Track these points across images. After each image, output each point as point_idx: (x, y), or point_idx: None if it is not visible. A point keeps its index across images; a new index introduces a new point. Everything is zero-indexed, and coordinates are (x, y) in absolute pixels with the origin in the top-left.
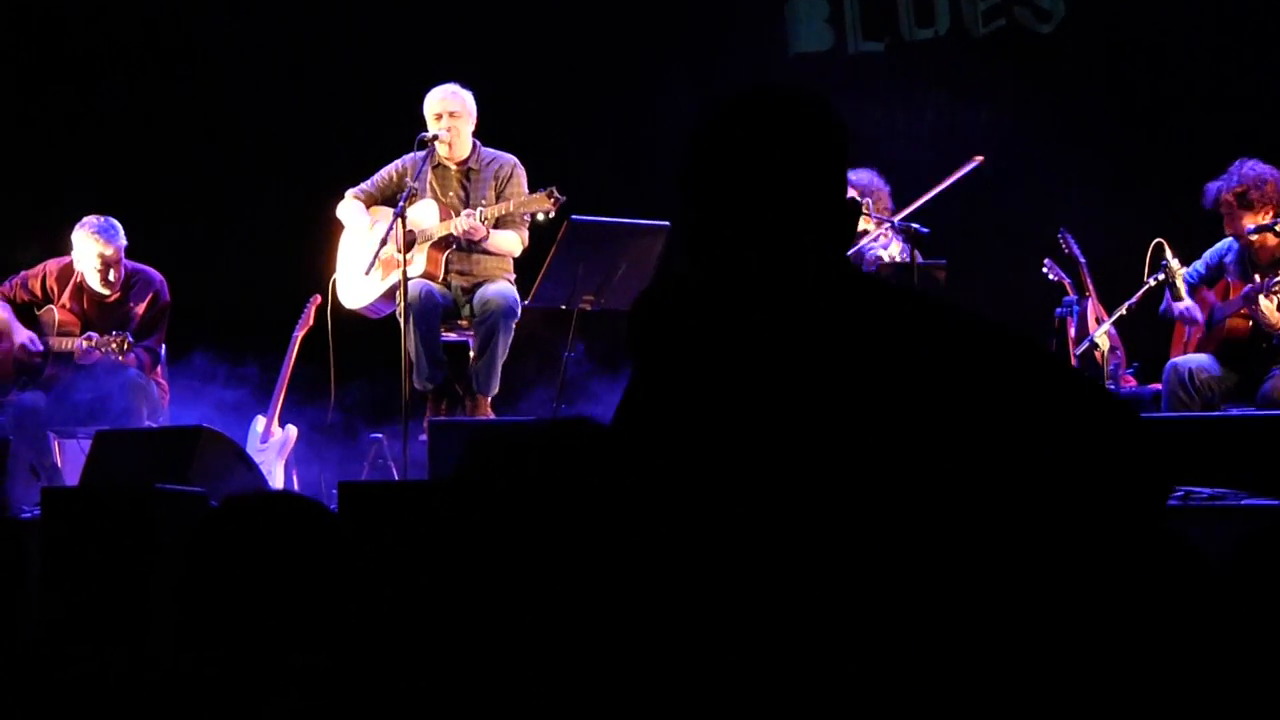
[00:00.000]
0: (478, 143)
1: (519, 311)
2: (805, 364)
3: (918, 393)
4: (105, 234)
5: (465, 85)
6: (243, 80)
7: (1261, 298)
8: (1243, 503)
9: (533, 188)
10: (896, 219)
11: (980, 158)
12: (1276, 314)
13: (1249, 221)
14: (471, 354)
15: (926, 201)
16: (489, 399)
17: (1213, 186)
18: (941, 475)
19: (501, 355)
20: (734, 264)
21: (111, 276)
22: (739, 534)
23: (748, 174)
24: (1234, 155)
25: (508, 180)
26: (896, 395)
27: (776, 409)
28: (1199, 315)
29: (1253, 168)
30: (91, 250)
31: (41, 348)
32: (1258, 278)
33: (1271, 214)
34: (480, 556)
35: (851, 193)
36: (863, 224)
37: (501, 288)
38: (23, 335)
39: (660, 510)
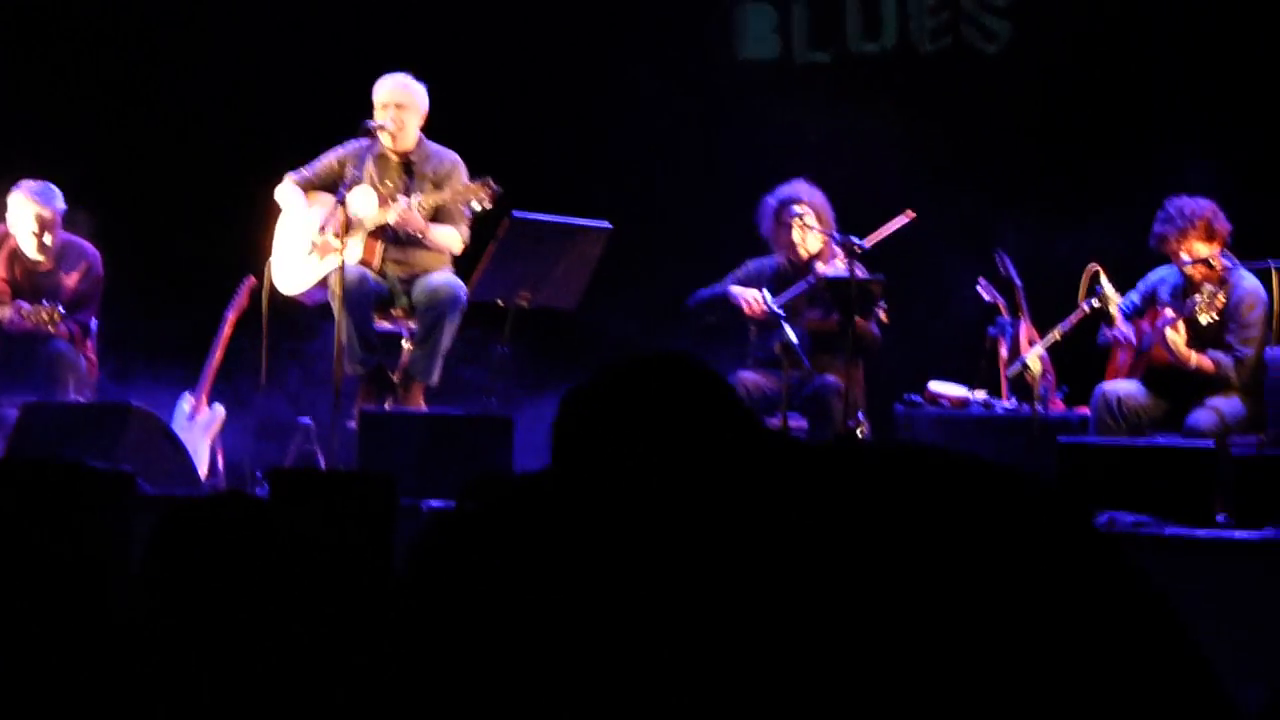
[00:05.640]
0: (423, 137)
1: (465, 302)
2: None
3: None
4: (43, 196)
5: (418, 78)
6: (185, 58)
7: (1169, 330)
8: (1166, 531)
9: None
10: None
11: (912, 213)
12: (1184, 349)
13: (1187, 253)
14: (406, 343)
15: (864, 249)
16: (423, 389)
17: (1157, 230)
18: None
19: (445, 345)
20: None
21: (47, 240)
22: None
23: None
24: (1176, 182)
25: (447, 176)
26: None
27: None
28: (1133, 337)
29: (1186, 204)
30: (28, 212)
31: None
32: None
33: (1219, 246)
34: (478, 603)
35: (805, 208)
36: (816, 241)
37: (448, 277)
38: None
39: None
